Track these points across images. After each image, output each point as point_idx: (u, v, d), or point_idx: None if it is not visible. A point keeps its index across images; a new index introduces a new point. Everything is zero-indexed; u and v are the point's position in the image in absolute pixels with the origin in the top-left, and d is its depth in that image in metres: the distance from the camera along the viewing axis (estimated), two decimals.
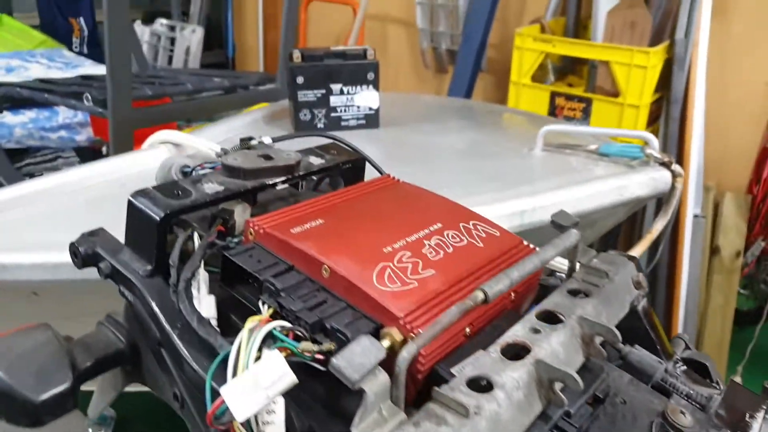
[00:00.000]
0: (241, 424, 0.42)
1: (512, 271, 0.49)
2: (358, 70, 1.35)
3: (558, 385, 0.45)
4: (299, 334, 0.45)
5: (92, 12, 3.23)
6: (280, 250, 0.53)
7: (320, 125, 1.35)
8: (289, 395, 0.45)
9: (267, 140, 0.69)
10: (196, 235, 0.56)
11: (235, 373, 0.41)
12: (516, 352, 0.48)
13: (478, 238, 0.60)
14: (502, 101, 2.53)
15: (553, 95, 2.15)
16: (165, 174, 0.67)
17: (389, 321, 0.47)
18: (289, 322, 0.47)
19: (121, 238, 0.58)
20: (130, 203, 0.55)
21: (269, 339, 0.44)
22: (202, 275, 0.53)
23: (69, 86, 1.79)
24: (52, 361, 0.56)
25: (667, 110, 2.13)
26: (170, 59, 3.14)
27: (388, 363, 0.46)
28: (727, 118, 2.27)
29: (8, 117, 1.96)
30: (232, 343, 0.46)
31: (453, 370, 0.48)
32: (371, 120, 1.40)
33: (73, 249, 0.57)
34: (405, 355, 0.40)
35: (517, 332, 0.49)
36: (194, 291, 0.52)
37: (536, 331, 0.50)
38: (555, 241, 0.56)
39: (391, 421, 0.39)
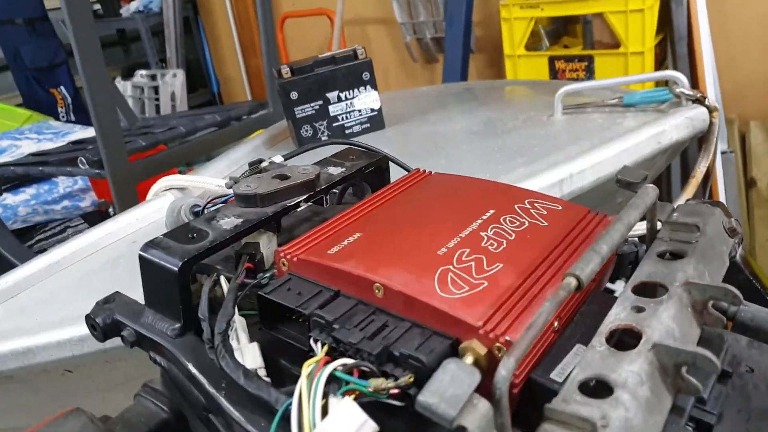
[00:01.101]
0: None
1: (599, 245, 0.41)
2: (351, 72, 1.28)
3: (685, 369, 0.37)
4: (366, 369, 0.38)
5: (71, 78, 3.20)
6: (320, 276, 0.46)
7: (324, 137, 1.28)
8: None
9: (278, 159, 0.62)
10: (222, 279, 0.48)
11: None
12: (624, 340, 0.40)
13: (539, 217, 0.53)
14: (499, 78, 2.45)
15: (552, 60, 2.07)
16: (175, 218, 0.60)
17: (466, 333, 0.40)
18: (351, 357, 0.39)
19: (141, 298, 0.51)
20: (141, 258, 0.48)
21: (333, 383, 0.37)
22: (239, 322, 0.46)
23: (62, 155, 1.74)
24: None
25: (672, 50, 2.04)
26: (157, 108, 3.10)
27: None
28: (736, 49, 2.17)
29: (9, 198, 1.91)
30: (289, 394, 0.38)
31: (553, 376, 0.40)
32: (376, 121, 1.33)
33: (90, 321, 0.50)
34: (503, 373, 0.32)
35: (618, 315, 0.42)
36: (233, 342, 0.45)
37: (640, 309, 0.42)
38: (633, 201, 0.48)
39: None
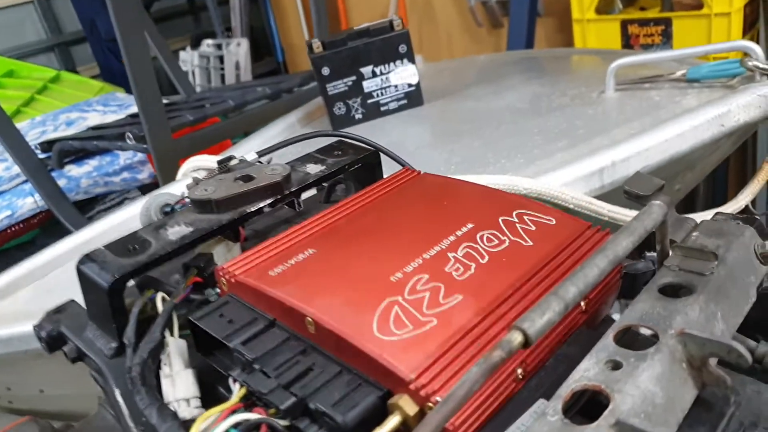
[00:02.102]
0: None
1: (565, 287, 0.34)
2: (387, 45, 1.20)
3: None
4: (277, 426, 0.33)
5: None
6: (257, 301, 0.41)
7: (358, 116, 1.22)
8: None
9: (250, 156, 0.57)
10: (160, 297, 0.45)
11: None
12: (589, 405, 0.33)
13: (525, 234, 0.45)
14: (567, 45, 2.28)
15: (625, 24, 1.88)
16: (147, 218, 0.57)
17: (397, 386, 0.34)
18: (265, 405, 0.34)
19: None
20: (78, 271, 0.45)
21: None
22: (174, 346, 0.42)
23: (117, 128, 1.79)
24: None
25: (765, 10, 1.80)
26: (222, 78, 3.13)
27: None
28: None
29: (74, 170, 1.99)
30: None
31: None
32: (413, 97, 1.25)
33: (37, 332, 0.48)
34: None
35: (587, 371, 0.34)
36: (165, 368, 0.41)
37: (616, 365, 0.34)
38: (632, 223, 0.40)
39: None
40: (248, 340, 0.38)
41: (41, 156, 1.86)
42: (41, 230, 1.93)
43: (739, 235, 0.43)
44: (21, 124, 2.10)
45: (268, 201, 0.50)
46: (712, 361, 0.35)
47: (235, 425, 0.32)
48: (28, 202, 1.88)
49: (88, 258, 0.45)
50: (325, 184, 0.62)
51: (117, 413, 0.43)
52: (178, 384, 0.41)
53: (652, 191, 0.45)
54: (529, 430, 0.31)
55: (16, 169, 1.84)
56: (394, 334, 0.36)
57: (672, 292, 0.39)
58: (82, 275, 0.44)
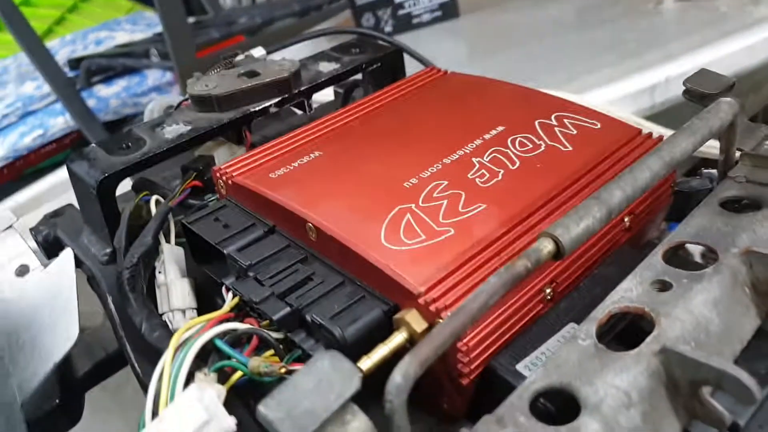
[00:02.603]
0: None
1: (609, 191, 0.28)
2: None
3: (707, 391, 0.25)
4: (269, 339, 0.29)
5: None
6: (256, 206, 0.37)
7: (388, 28, 1.14)
8: None
9: (258, 52, 0.52)
10: (154, 200, 0.41)
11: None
12: (629, 330, 0.28)
13: (564, 138, 0.39)
14: None
15: None
16: (152, 118, 0.52)
17: (405, 300, 0.29)
18: (259, 315, 0.31)
19: None
20: (68, 169, 0.41)
21: (215, 354, 0.28)
22: (169, 254, 0.39)
23: (144, 46, 1.74)
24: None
25: None
26: None
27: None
28: None
29: (103, 90, 1.96)
30: None
31: (520, 368, 0.29)
32: (448, 9, 1.16)
33: (34, 236, 0.45)
34: (398, 380, 0.22)
35: (628, 292, 0.29)
36: (160, 276, 0.38)
37: (665, 286, 0.29)
38: (693, 121, 0.33)
39: None
40: (244, 247, 0.34)
41: (69, 74, 1.83)
42: (73, 150, 1.94)
43: None
44: (51, 43, 2.07)
45: (275, 100, 0.45)
46: None
47: (221, 335, 0.29)
48: (60, 121, 1.87)
49: (78, 155, 0.41)
50: (340, 90, 0.57)
51: (112, 324, 0.40)
52: (173, 293, 0.38)
53: (719, 90, 0.38)
54: (555, 356, 0.26)
55: (47, 88, 1.82)
56: (404, 243, 0.31)
57: (736, 206, 0.33)
58: (71, 174, 0.41)
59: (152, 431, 0.24)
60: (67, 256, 0.40)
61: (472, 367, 0.29)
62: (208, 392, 0.25)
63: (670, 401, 0.25)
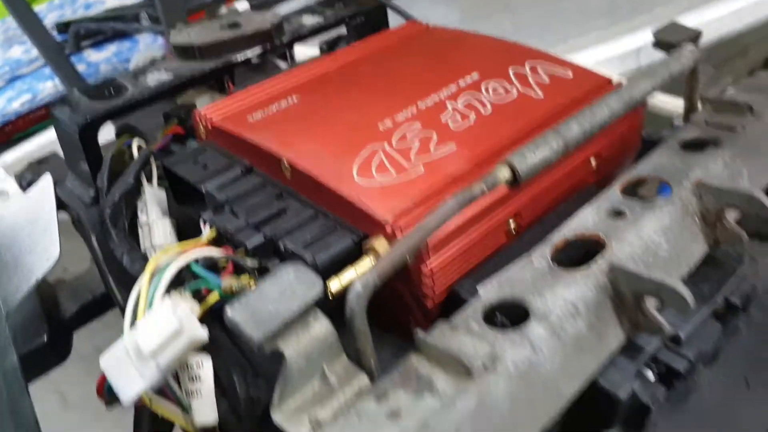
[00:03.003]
0: (158, 392, 0.29)
1: (567, 125, 0.29)
2: None
3: (652, 303, 0.27)
4: (244, 264, 0.31)
5: None
6: (235, 147, 0.38)
7: None
8: (234, 353, 0.31)
9: (242, 5, 0.52)
10: (136, 144, 0.42)
11: None
12: (584, 253, 0.29)
13: (536, 85, 0.40)
14: None
15: None
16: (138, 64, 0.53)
17: (374, 229, 0.31)
18: (235, 245, 0.32)
19: None
20: (51, 114, 0.42)
21: (191, 278, 0.30)
22: (150, 195, 0.40)
23: (132, 10, 1.72)
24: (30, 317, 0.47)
25: None
26: None
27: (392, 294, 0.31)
28: None
29: (93, 55, 1.94)
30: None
31: (481, 290, 0.31)
32: None
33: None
34: (358, 289, 0.24)
35: (585, 220, 0.31)
36: (142, 216, 0.39)
37: (619, 214, 0.30)
38: (657, 67, 0.34)
39: (342, 389, 0.24)
40: (222, 185, 0.35)
41: (58, 39, 1.81)
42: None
43: None
44: (39, 7, 2.04)
45: (257, 50, 0.46)
46: (729, 216, 0.31)
47: (197, 261, 0.30)
48: (48, 86, 1.85)
49: (61, 101, 0.42)
50: (325, 47, 0.57)
51: (95, 261, 0.41)
52: (155, 232, 0.39)
53: (684, 39, 0.39)
54: (510, 274, 0.28)
55: (35, 52, 1.80)
56: (374, 179, 0.33)
57: (696, 147, 0.35)
58: (55, 119, 0.42)
59: (128, 339, 0.26)
60: (46, 181, 0.41)
61: (436, 290, 0.31)
62: (182, 306, 0.26)
63: (616, 314, 0.27)
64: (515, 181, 0.27)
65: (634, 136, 0.41)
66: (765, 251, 0.38)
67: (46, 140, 0.99)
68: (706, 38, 0.85)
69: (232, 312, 0.23)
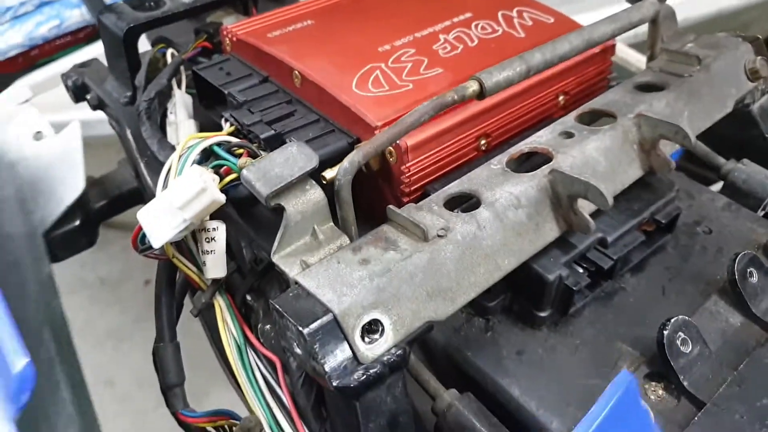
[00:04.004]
0: (178, 250, 0.36)
1: (531, 53, 0.35)
2: None
3: (585, 205, 0.33)
4: (256, 152, 0.37)
5: None
6: (254, 59, 0.44)
7: None
8: (243, 225, 0.38)
9: None
10: (170, 52, 0.48)
11: None
12: (534, 164, 0.36)
13: (520, 27, 0.46)
14: None
15: None
16: None
17: (365, 133, 0.37)
18: (250, 139, 0.39)
19: None
20: (99, 21, 0.48)
21: (213, 158, 0.37)
22: (180, 98, 0.46)
23: None
24: None
25: None
26: None
27: (369, 184, 0.37)
28: None
29: None
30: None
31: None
32: None
33: (64, 80, 0.52)
34: (345, 165, 0.30)
35: (539, 138, 0.37)
36: (171, 116, 0.46)
37: (568, 135, 0.36)
38: (619, 13, 0.40)
39: (327, 245, 0.31)
40: (242, 90, 0.42)
41: None
42: (87, 44, 1.98)
43: (733, 48, 0.43)
44: None
45: None
46: (662, 146, 0.37)
47: (219, 144, 0.37)
48: (75, 14, 1.90)
49: (107, 9, 0.48)
50: None
51: (128, 153, 0.48)
52: (181, 130, 0.46)
53: None
54: (470, 174, 0.34)
55: None
56: (369, 91, 0.39)
57: (647, 89, 0.41)
58: (101, 24, 0.48)
59: (160, 196, 0.33)
60: (74, 125, 0.48)
61: (412, 188, 0.37)
62: (207, 173, 0.33)
63: (553, 212, 0.33)
64: (482, 94, 0.33)
65: (602, 81, 0.46)
66: (701, 189, 0.44)
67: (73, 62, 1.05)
68: (703, 10, 0.89)
69: (247, 172, 0.29)
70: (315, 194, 0.30)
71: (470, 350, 0.34)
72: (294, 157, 0.30)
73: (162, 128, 0.47)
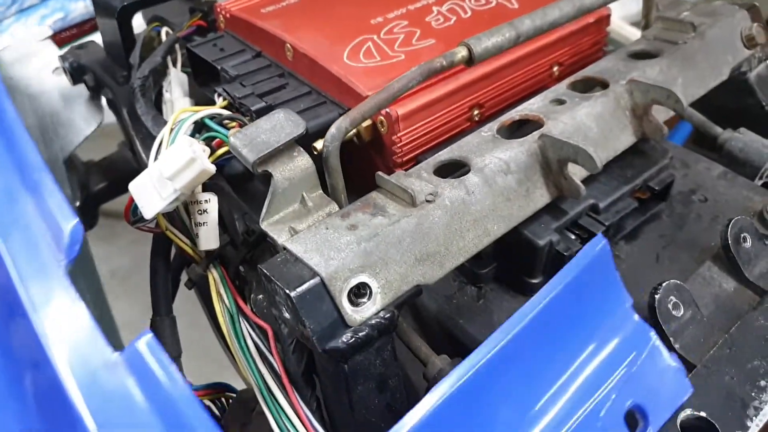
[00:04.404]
0: (171, 223, 0.36)
1: (521, 19, 0.35)
2: None
3: (577, 171, 0.33)
4: (248, 122, 0.37)
5: None
6: (248, 35, 0.44)
7: None
8: (236, 199, 0.38)
9: None
10: (164, 30, 0.48)
11: None
12: (526, 131, 0.36)
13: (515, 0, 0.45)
14: None
15: None
16: None
17: (356, 102, 0.37)
18: (242, 112, 0.39)
19: None
20: (93, 2, 0.48)
21: (205, 130, 0.37)
22: (175, 76, 0.47)
23: None
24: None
25: None
26: None
27: (362, 155, 0.37)
28: None
29: None
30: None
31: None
32: None
33: (62, 63, 0.53)
34: (333, 131, 0.30)
35: (531, 105, 0.37)
36: (167, 94, 0.46)
37: (559, 102, 0.36)
38: None
39: (316, 212, 0.31)
40: (235, 65, 0.42)
41: None
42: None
43: (729, 15, 0.43)
44: None
45: None
46: (655, 112, 0.36)
47: (210, 117, 0.37)
48: (80, 6, 1.91)
49: None
50: None
51: (125, 132, 0.48)
52: (177, 107, 0.46)
53: None
54: (460, 142, 0.34)
55: None
56: (361, 62, 0.39)
57: (641, 57, 0.40)
58: (96, 3, 0.48)
59: (152, 166, 0.33)
60: None
61: (405, 158, 0.37)
62: (197, 143, 0.33)
63: (543, 177, 0.33)
64: (471, 60, 0.33)
65: (597, 53, 0.46)
66: (698, 159, 0.44)
67: None
68: None
69: (234, 139, 0.29)
70: (303, 161, 0.30)
71: (462, 318, 0.34)
72: (281, 124, 0.30)
73: (158, 107, 0.47)
